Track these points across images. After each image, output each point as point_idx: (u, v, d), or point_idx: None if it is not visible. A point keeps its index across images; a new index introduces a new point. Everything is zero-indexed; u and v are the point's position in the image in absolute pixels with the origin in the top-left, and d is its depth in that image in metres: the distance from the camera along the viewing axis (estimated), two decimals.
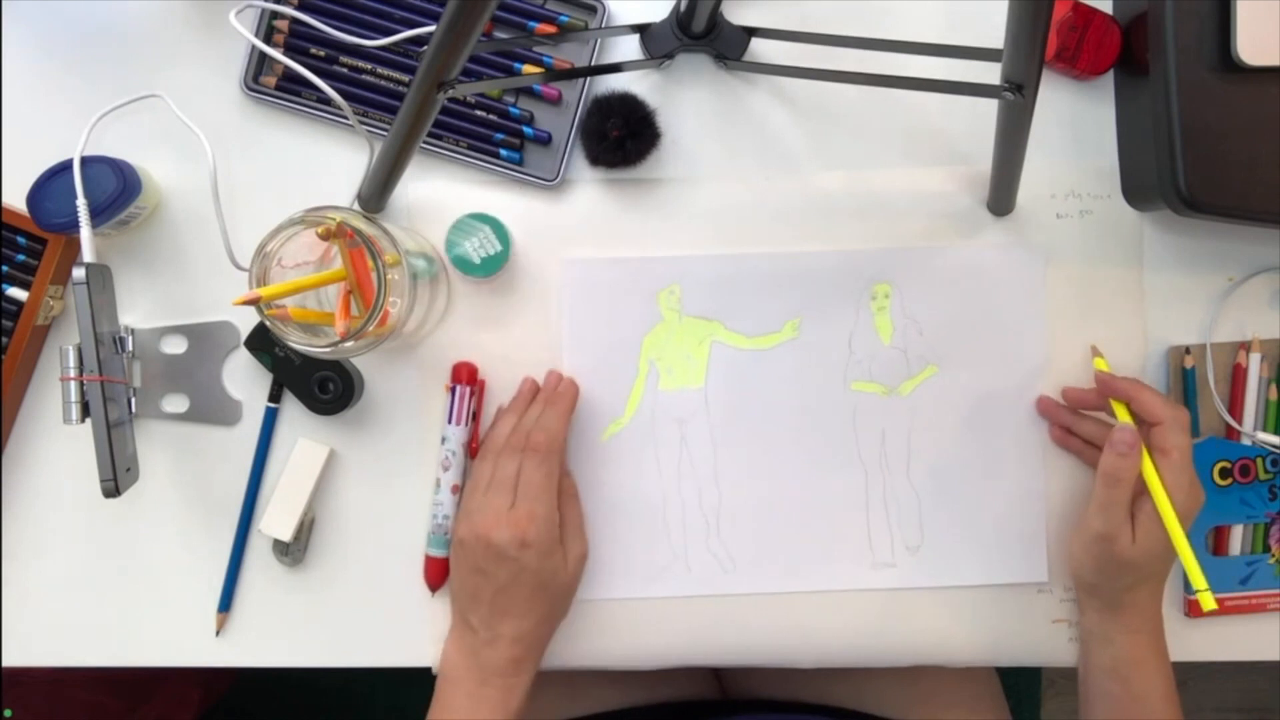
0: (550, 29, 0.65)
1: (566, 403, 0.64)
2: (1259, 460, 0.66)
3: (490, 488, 0.61)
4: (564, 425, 0.63)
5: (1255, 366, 0.66)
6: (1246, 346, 0.66)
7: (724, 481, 0.67)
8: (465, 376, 0.65)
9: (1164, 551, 0.58)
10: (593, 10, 0.65)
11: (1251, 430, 0.66)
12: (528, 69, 0.65)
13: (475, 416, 0.65)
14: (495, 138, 0.65)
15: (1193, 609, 0.67)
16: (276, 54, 0.62)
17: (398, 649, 0.67)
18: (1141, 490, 0.59)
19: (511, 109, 0.65)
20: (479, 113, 0.65)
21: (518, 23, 0.65)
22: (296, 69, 0.60)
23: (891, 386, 0.67)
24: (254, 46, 0.64)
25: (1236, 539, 0.67)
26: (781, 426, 0.67)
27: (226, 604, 0.67)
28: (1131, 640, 0.61)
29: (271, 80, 0.65)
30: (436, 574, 0.66)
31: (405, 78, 0.65)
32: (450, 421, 0.64)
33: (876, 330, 0.66)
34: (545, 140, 0.65)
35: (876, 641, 0.67)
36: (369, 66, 0.65)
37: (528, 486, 0.60)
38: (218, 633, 0.67)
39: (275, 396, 0.66)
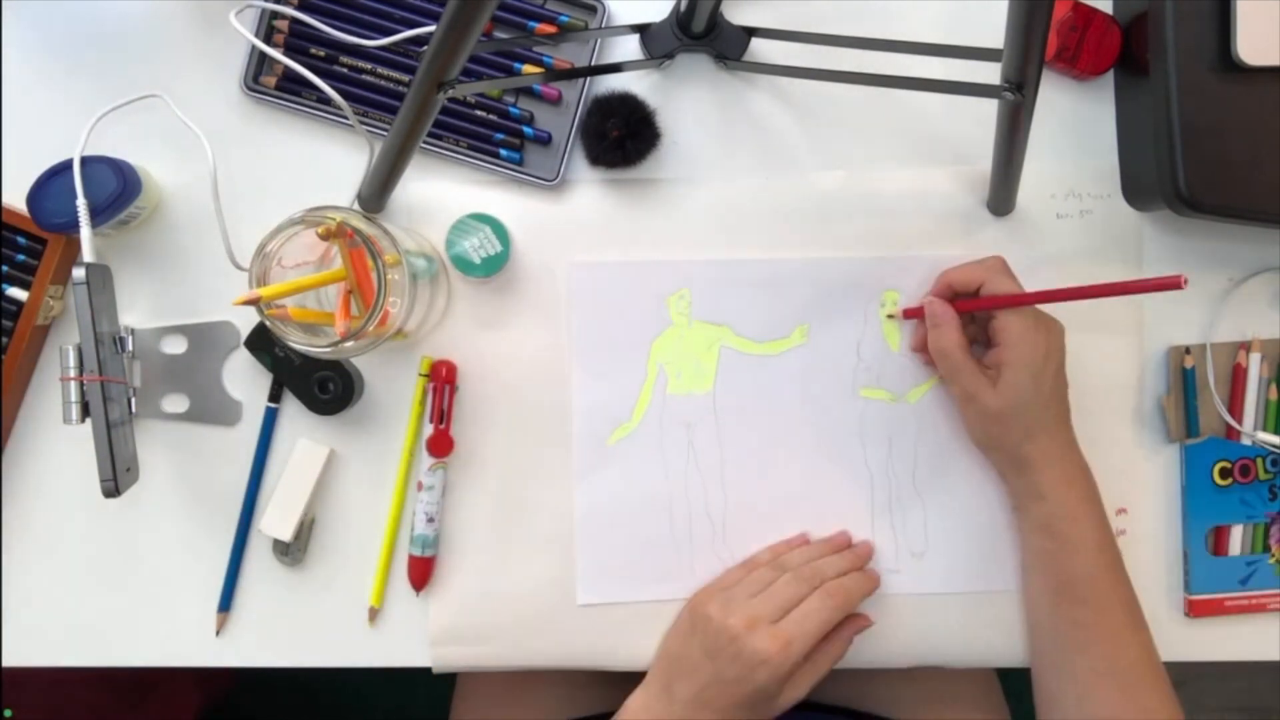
0: (550, 29, 0.65)
1: (872, 584, 0.64)
2: (1259, 460, 0.66)
3: (764, 595, 0.61)
4: (861, 598, 0.63)
5: (1255, 366, 0.66)
6: (1246, 346, 0.66)
7: (730, 486, 0.67)
8: (438, 375, 0.65)
9: (1030, 395, 0.59)
10: (593, 10, 0.65)
11: (1251, 430, 0.66)
12: (528, 69, 0.65)
13: (447, 415, 0.65)
14: (495, 138, 0.65)
15: (1192, 608, 0.67)
16: (276, 54, 0.62)
17: (398, 649, 0.67)
18: (996, 344, 0.60)
19: (511, 109, 0.65)
20: (479, 113, 0.65)
21: (518, 23, 0.65)
22: (296, 69, 0.60)
23: (899, 394, 0.67)
24: (254, 46, 0.64)
25: (1236, 539, 0.67)
26: (789, 432, 0.67)
27: (227, 604, 0.67)
28: (1057, 494, 0.61)
29: (271, 80, 0.65)
30: (419, 574, 0.66)
31: (405, 78, 0.65)
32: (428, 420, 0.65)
33: (885, 337, 0.66)
34: (545, 140, 0.65)
35: (878, 643, 0.67)
36: (369, 66, 0.65)
37: (803, 619, 0.60)
38: (218, 633, 0.67)
39: (275, 396, 0.66)
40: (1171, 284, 0.48)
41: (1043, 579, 0.62)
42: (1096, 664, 0.60)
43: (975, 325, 0.64)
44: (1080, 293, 0.56)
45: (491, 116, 0.65)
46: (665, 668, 0.63)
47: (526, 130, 0.65)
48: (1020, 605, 0.66)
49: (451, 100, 0.64)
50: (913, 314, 0.65)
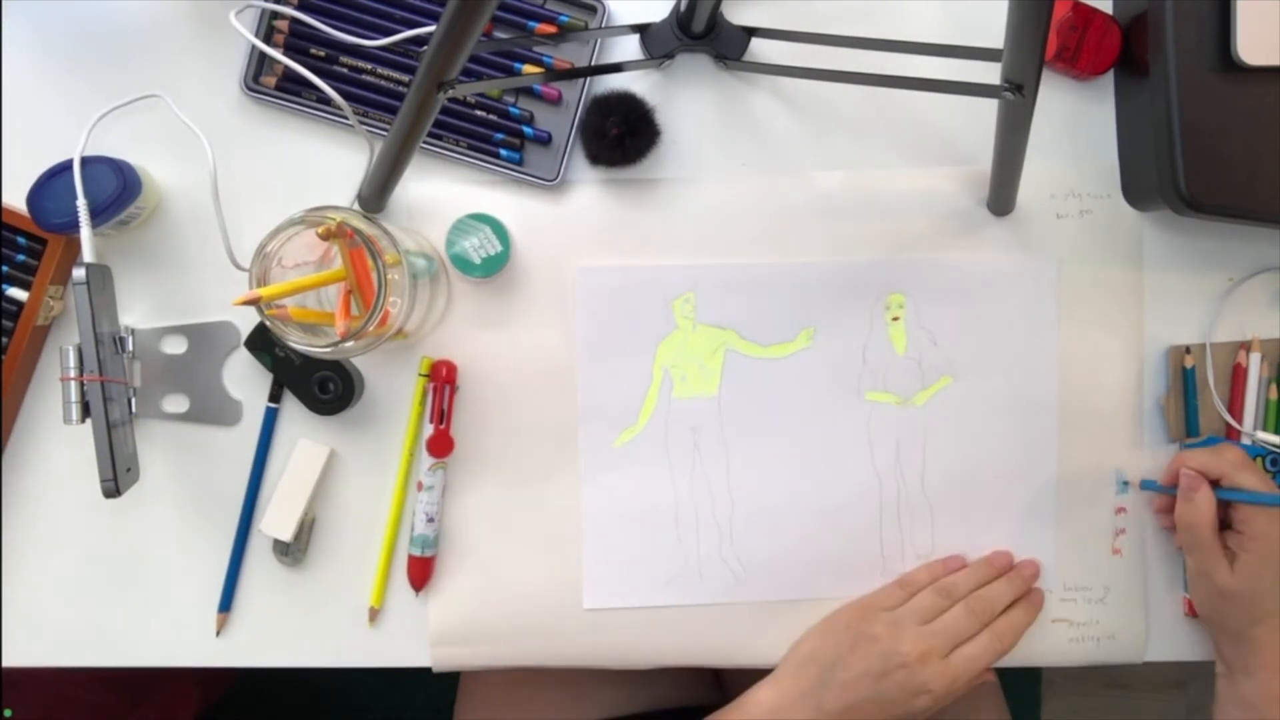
0: (550, 29, 0.65)
1: (1037, 611, 0.66)
2: (1259, 460, 0.66)
3: (941, 627, 0.63)
4: (1026, 630, 0.65)
5: (1255, 366, 0.66)
6: (1246, 346, 0.66)
7: (737, 490, 0.67)
8: (438, 375, 0.65)
9: (1268, 586, 0.60)
10: (593, 10, 0.65)
11: (1251, 430, 0.66)
12: (528, 69, 0.65)
13: (447, 415, 0.65)
14: (495, 138, 0.65)
15: (1193, 608, 0.67)
16: (276, 54, 0.62)
17: (398, 649, 0.67)
18: (1238, 533, 0.61)
19: (511, 109, 0.65)
20: (479, 113, 0.65)
21: (518, 23, 0.65)
22: (296, 69, 0.60)
23: (906, 397, 0.67)
24: (254, 46, 0.64)
25: None
26: (795, 435, 0.67)
27: (227, 604, 0.67)
28: (1269, 675, 0.61)
29: (271, 80, 0.65)
30: (419, 574, 0.66)
31: (405, 78, 0.65)
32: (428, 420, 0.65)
33: (891, 340, 0.66)
34: (545, 140, 0.65)
35: None
36: (369, 66, 0.65)
37: (974, 660, 0.62)
38: (218, 633, 0.67)
39: (275, 396, 0.66)
40: None
41: None
42: None
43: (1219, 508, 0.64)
44: None
45: (491, 116, 0.65)
46: (814, 674, 0.63)
47: (526, 130, 0.65)
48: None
49: (451, 100, 0.64)
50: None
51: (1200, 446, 0.66)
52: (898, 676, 0.61)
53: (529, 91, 0.66)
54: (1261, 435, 0.66)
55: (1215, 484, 0.62)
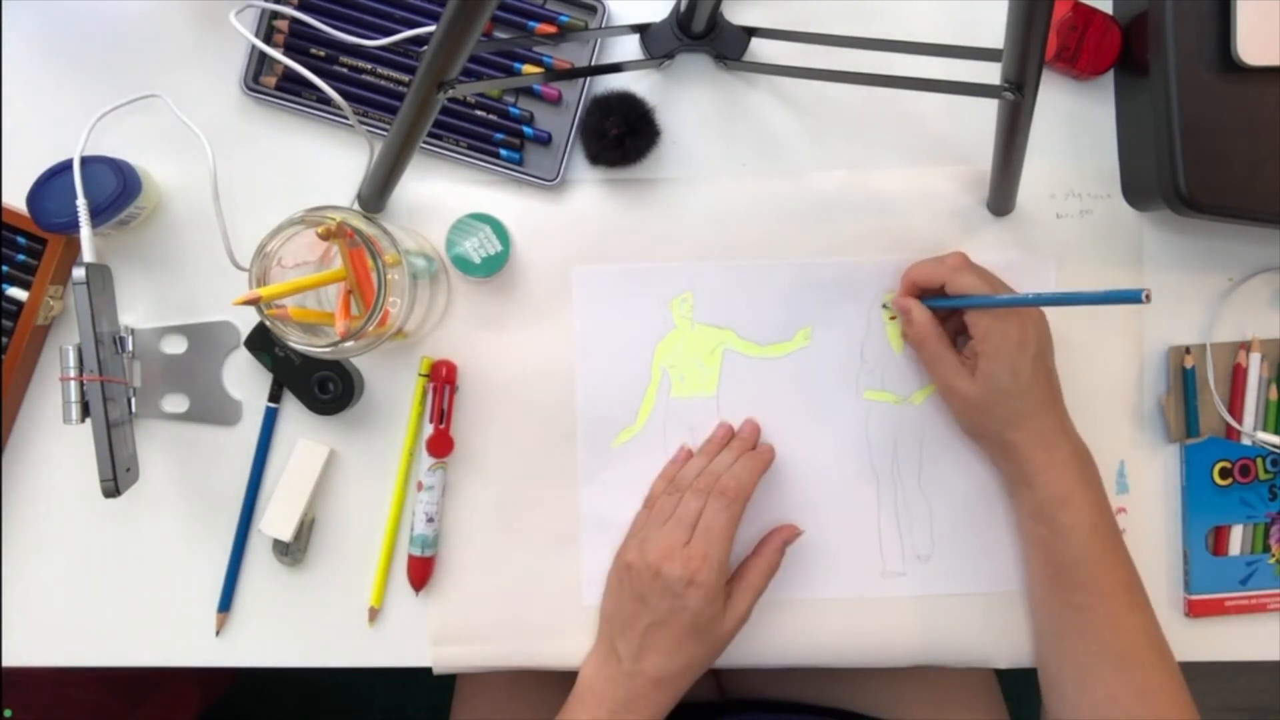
0: (550, 29, 0.65)
1: (762, 461, 0.64)
2: (1259, 460, 0.66)
3: (670, 522, 0.61)
4: (755, 479, 0.62)
5: (1255, 366, 0.66)
6: (1247, 346, 0.66)
7: None
8: (438, 375, 0.65)
9: (1008, 383, 0.59)
10: (593, 10, 0.65)
11: (1251, 430, 0.66)
12: (527, 69, 0.65)
13: (447, 415, 0.65)
14: (495, 138, 0.65)
15: (1192, 608, 0.67)
16: (276, 54, 0.62)
17: (398, 649, 0.67)
18: (970, 337, 0.61)
19: (511, 109, 0.65)
20: (479, 113, 0.65)
21: (518, 23, 0.65)
22: (296, 69, 0.60)
23: (904, 395, 0.67)
24: (254, 46, 0.64)
25: (1236, 539, 0.67)
26: (793, 435, 0.67)
27: (226, 604, 0.67)
28: (1046, 479, 0.60)
29: (271, 80, 0.65)
30: (419, 574, 0.66)
31: (405, 78, 0.65)
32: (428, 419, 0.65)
33: (888, 339, 0.66)
34: (545, 140, 0.65)
35: (879, 644, 0.67)
36: (369, 66, 0.65)
37: (707, 529, 0.60)
38: (218, 633, 0.67)
39: (275, 396, 0.66)
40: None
41: (1039, 565, 0.62)
42: (1094, 647, 0.59)
43: (956, 318, 0.64)
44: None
45: (491, 116, 0.65)
46: (607, 629, 0.63)
47: (526, 130, 0.65)
48: (1023, 600, 0.66)
49: (451, 100, 0.64)
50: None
51: (1199, 446, 0.66)
52: (655, 587, 0.59)
53: (529, 91, 0.66)
54: (1261, 435, 0.66)
55: (941, 292, 0.61)
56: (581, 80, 0.65)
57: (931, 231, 0.66)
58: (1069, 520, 0.60)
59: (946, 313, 0.63)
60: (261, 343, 0.65)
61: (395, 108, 0.65)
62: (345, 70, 0.65)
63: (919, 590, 0.67)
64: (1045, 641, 0.63)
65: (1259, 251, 0.67)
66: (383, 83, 0.65)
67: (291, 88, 0.65)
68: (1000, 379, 0.59)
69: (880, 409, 0.67)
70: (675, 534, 0.60)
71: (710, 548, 0.59)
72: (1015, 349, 0.59)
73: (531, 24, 0.65)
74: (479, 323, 0.66)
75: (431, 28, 0.64)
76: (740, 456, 0.63)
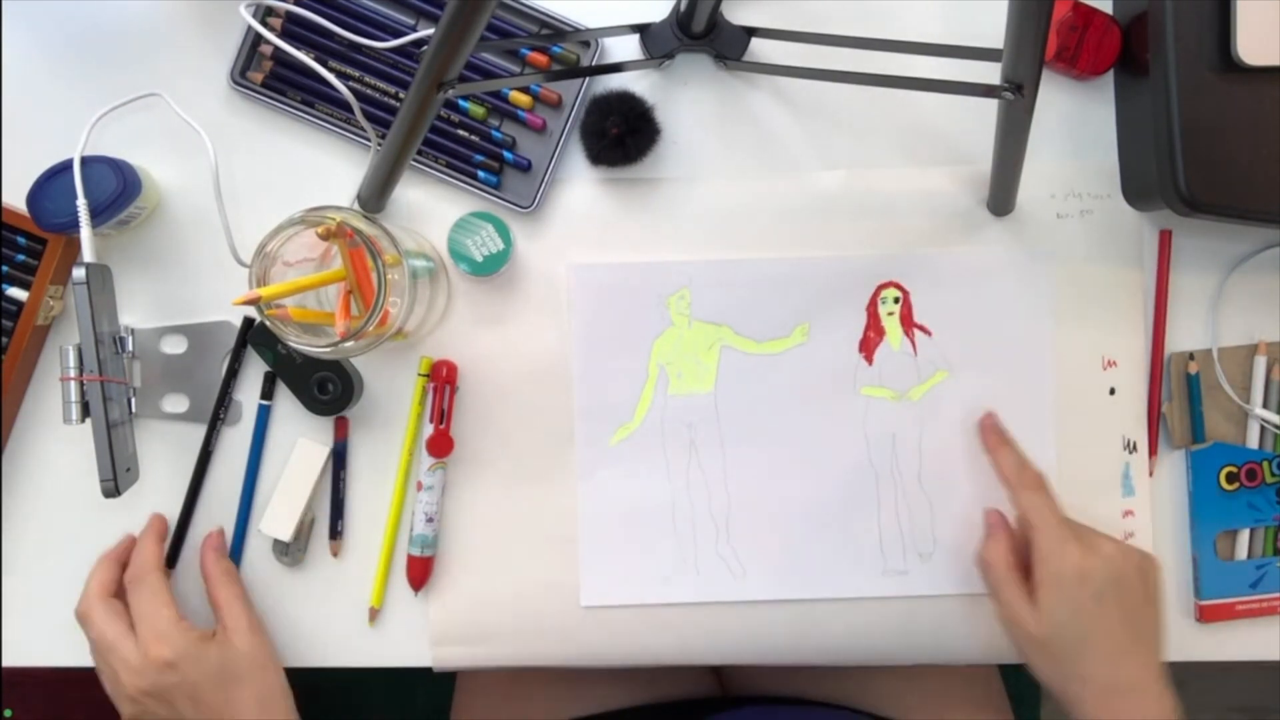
0: (542, 59, 0.64)
1: (153, 532, 0.64)
2: (1265, 464, 0.66)
3: (112, 644, 0.59)
4: (154, 549, 0.62)
5: (1260, 369, 0.66)
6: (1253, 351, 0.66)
7: (734, 486, 0.67)
8: (439, 375, 0.65)
9: (1067, 620, 0.55)
10: (585, 45, 0.65)
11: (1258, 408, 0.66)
12: (514, 97, 0.65)
13: (447, 415, 0.65)
14: (474, 159, 0.65)
15: (1203, 614, 0.67)
16: (289, 48, 0.62)
17: (398, 649, 0.67)
18: (1033, 555, 0.58)
19: (494, 132, 0.65)
20: (461, 132, 0.65)
21: (510, 49, 0.65)
22: (309, 63, 0.60)
23: (902, 391, 0.66)
24: (250, 46, 0.64)
25: (1245, 543, 0.67)
26: (791, 431, 0.67)
27: None
28: (1123, 705, 0.56)
29: (259, 76, 0.65)
30: (419, 574, 0.66)
31: (394, 89, 0.65)
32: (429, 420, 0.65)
33: (886, 335, 0.66)
34: (525, 168, 0.65)
35: (882, 643, 0.67)
36: (357, 74, 0.65)
37: (139, 616, 0.59)
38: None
39: (268, 394, 0.66)
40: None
41: None
42: None
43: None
44: None
45: (473, 138, 0.65)
46: None
47: (506, 155, 0.65)
48: None
49: (436, 119, 0.64)
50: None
51: (1205, 451, 0.66)
52: (153, 700, 0.58)
53: (514, 117, 0.65)
54: (1260, 411, 0.66)
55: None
56: (580, 80, 0.65)
57: (931, 231, 0.66)
58: None
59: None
60: (263, 338, 0.65)
61: (380, 118, 0.64)
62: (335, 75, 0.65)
63: (921, 589, 0.67)
64: None
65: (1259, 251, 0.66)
66: (370, 92, 0.65)
67: (278, 86, 0.65)
68: (1058, 613, 0.55)
69: (879, 405, 0.67)
70: (123, 647, 0.59)
71: (154, 622, 0.59)
72: (1075, 579, 0.55)
73: (524, 50, 0.65)
74: (479, 322, 0.66)
75: (429, 31, 0.64)
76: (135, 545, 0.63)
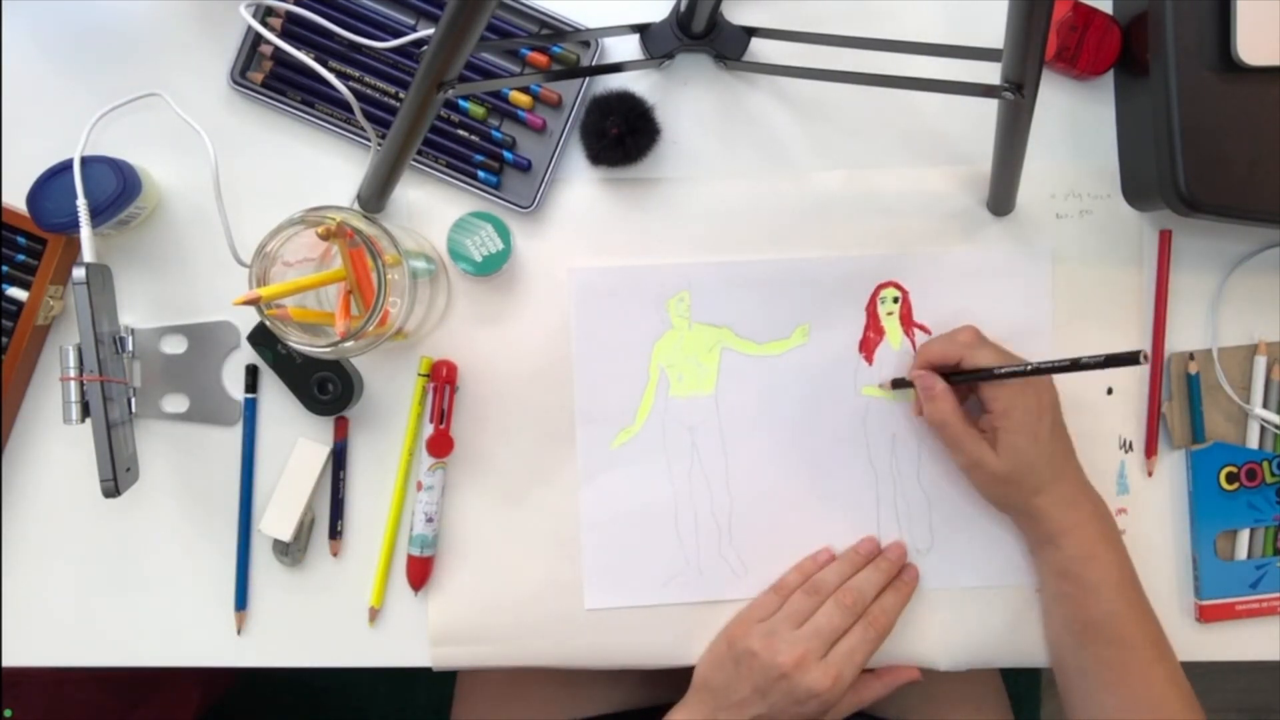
0: (542, 59, 0.64)
1: (909, 591, 0.66)
2: (1265, 464, 0.66)
3: (809, 628, 0.62)
4: (898, 615, 0.65)
5: (1260, 368, 0.66)
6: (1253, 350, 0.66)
7: (735, 487, 0.67)
8: (439, 375, 0.65)
9: (1032, 454, 0.60)
10: (585, 45, 0.65)
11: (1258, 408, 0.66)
12: (515, 97, 0.65)
13: (447, 415, 0.65)
14: (474, 159, 0.65)
15: (1204, 614, 0.67)
16: (289, 48, 0.62)
17: (398, 649, 0.67)
18: (989, 411, 0.61)
19: (494, 132, 0.65)
20: (461, 132, 0.65)
21: (510, 49, 0.65)
22: (315, 68, 0.60)
23: (901, 391, 0.67)
24: (250, 46, 0.64)
25: (1245, 543, 0.67)
26: (792, 432, 0.67)
27: (242, 601, 0.66)
28: (1071, 539, 0.61)
29: (259, 76, 0.65)
30: (418, 574, 0.66)
31: (393, 89, 0.65)
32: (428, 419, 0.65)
33: (886, 335, 0.66)
34: (525, 167, 0.65)
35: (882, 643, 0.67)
36: (357, 74, 0.65)
37: (850, 654, 0.62)
38: (239, 631, 0.67)
39: (251, 386, 0.66)
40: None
41: (1065, 621, 0.63)
42: (1125, 700, 0.60)
43: (967, 387, 0.64)
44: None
45: (473, 138, 0.65)
46: (708, 700, 0.64)
47: (506, 155, 0.65)
48: (1043, 638, 0.67)
49: (437, 119, 0.64)
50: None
51: (1205, 451, 0.66)
52: (781, 688, 0.61)
53: (514, 117, 0.65)
54: (1260, 411, 0.66)
55: (957, 369, 0.62)
56: (580, 81, 0.65)
57: (931, 231, 0.66)
58: (1096, 577, 0.61)
59: (960, 391, 0.63)
60: (263, 338, 0.65)
61: (380, 118, 0.64)
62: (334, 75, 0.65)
63: (922, 584, 0.67)
64: (1074, 694, 0.64)
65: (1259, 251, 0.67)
66: (370, 92, 0.65)
67: (278, 86, 0.65)
68: (1024, 451, 0.60)
69: (878, 405, 0.67)
70: (812, 644, 0.61)
71: (847, 670, 0.61)
72: (1035, 419, 0.60)
73: (524, 50, 0.65)
74: (479, 323, 0.66)
75: (429, 32, 0.64)
76: (888, 581, 0.65)
